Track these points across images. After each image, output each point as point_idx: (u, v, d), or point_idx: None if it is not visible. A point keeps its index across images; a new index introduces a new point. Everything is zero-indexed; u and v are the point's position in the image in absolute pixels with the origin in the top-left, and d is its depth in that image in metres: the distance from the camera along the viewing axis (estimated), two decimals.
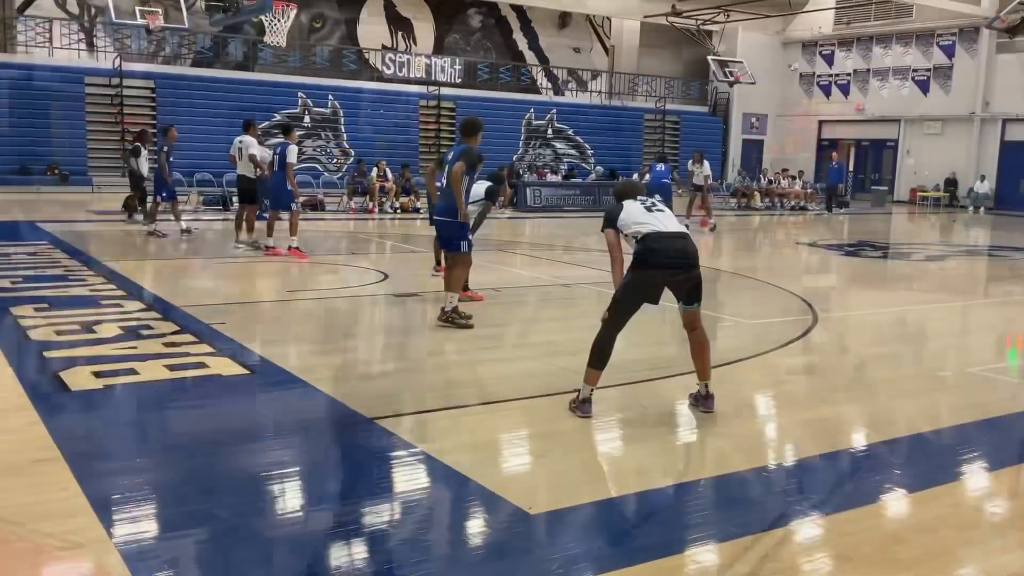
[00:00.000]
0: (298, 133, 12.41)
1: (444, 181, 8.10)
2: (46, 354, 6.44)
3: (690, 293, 5.48)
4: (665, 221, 5.52)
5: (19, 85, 23.19)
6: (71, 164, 23.77)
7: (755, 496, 4.29)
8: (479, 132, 8.06)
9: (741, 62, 33.17)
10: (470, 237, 7.99)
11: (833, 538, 3.82)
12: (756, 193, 29.12)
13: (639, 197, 5.75)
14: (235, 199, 18.28)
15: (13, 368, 6.07)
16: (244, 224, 13.49)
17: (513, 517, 3.91)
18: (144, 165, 16.14)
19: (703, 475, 4.63)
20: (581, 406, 5.44)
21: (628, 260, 5.47)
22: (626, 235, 5.56)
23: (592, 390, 5.46)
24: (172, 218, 14.91)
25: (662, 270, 5.38)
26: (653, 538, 3.77)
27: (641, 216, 5.55)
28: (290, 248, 12.46)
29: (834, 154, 29.87)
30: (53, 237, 13.70)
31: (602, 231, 5.68)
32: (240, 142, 13.30)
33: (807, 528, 3.93)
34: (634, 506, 4.14)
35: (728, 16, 31.37)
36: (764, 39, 36.35)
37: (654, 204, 5.70)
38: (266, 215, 13.15)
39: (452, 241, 7.99)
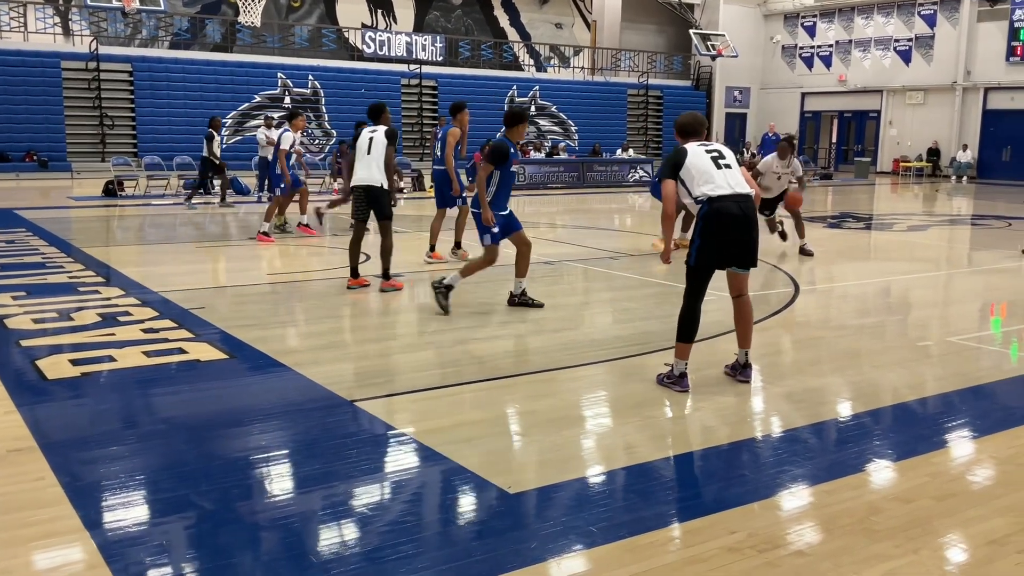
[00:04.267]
0: (302, 119, 12.23)
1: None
2: (23, 343, 6.39)
3: (746, 256, 5.37)
4: (732, 181, 5.28)
5: None
6: (50, 150, 23.54)
7: (737, 469, 4.29)
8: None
9: (723, 35, 33.09)
10: (493, 230, 7.94)
11: (813, 509, 3.82)
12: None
13: (703, 144, 5.41)
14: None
15: None
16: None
17: (492, 496, 3.90)
18: (217, 150, 16.59)
19: (685, 449, 4.62)
20: (679, 381, 5.41)
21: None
22: (689, 190, 5.30)
23: (686, 364, 5.43)
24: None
25: (730, 233, 5.22)
26: (630, 514, 3.76)
27: (710, 173, 5.25)
28: (259, 233, 12.35)
29: (770, 124, 29.03)
30: (31, 224, 13.56)
31: (659, 180, 5.36)
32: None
33: (787, 500, 3.93)
34: (614, 483, 4.13)
35: None
36: (746, 11, 36.23)
37: (720, 155, 5.39)
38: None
39: (479, 233, 7.98)
